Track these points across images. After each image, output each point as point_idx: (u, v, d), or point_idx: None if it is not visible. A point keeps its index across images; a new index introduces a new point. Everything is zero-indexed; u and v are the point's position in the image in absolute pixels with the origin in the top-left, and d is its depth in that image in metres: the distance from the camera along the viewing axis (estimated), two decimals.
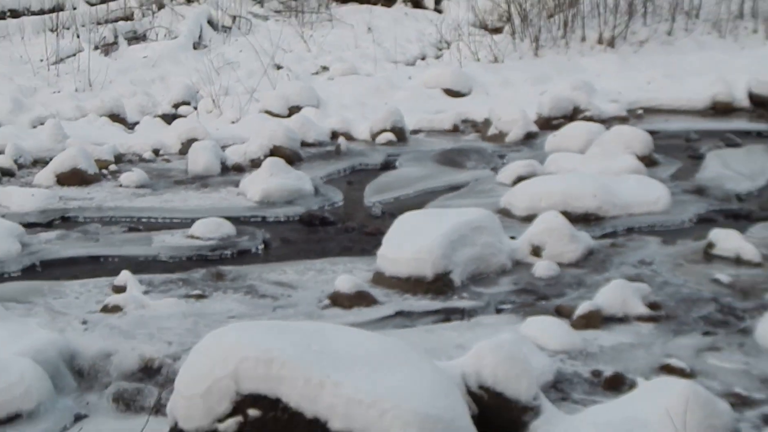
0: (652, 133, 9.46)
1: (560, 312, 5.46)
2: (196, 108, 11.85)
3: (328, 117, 10.93)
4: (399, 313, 5.58)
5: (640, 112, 11.39)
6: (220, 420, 3.63)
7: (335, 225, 7.59)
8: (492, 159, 9.53)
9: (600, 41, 14.16)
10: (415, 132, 10.76)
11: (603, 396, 4.44)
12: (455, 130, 10.93)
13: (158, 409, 4.31)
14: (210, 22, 15.91)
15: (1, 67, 12.97)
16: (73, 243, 7.07)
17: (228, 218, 7.34)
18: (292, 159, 9.18)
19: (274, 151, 9.21)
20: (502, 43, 14.31)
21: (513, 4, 14.54)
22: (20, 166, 9.22)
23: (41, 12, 15.80)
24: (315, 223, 7.64)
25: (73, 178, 8.68)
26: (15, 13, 15.69)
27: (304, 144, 9.90)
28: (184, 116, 11.39)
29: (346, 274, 5.93)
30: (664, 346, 5.03)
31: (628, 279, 5.76)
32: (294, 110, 11.16)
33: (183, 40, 14.79)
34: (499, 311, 5.63)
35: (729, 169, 8.74)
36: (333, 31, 16.25)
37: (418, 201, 8.01)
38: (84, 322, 5.37)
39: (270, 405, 3.56)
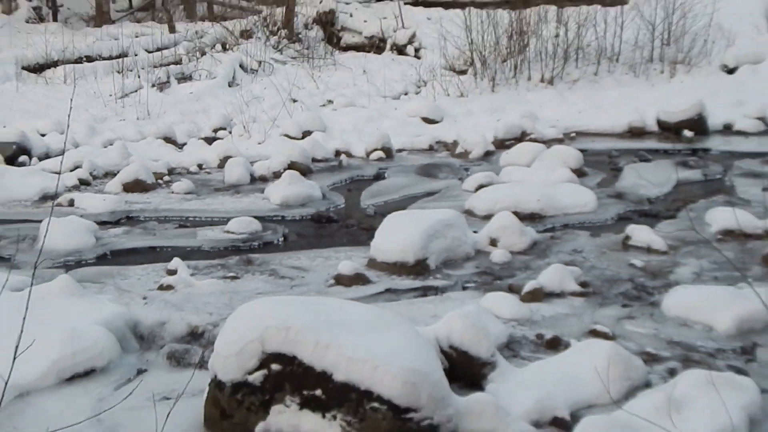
0: (582, 151, 9.46)
1: (512, 289, 5.47)
2: (230, 132, 11.78)
3: (333, 139, 10.90)
4: (387, 290, 5.59)
5: (573, 135, 11.37)
6: (250, 373, 3.62)
7: (338, 222, 7.58)
8: (459, 171, 9.53)
9: (542, 80, 14.13)
10: (400, 151, 10.73)
11: (545, 354, 4.46)
12: (431, 149, 10.90)
13: (202, 364, 4.32)
14: (241, 66, 15.84)
15: (79, 100, 12.89)
16: (136, 237, 7.07)
17: (256, 217, 7.33)
18: (305, 172, 9.17)
19: (291, 166, 9.18)
20: (466, 82, 14.28)
21: (475, 52, 14.50)
22: (94, 178, 9.20)
23: (110, 57, 15.82)
24: (323, 221, 7.63)
25: (135, 186, 8.66)
26: (90, 59, 15.66)
27: (314, 160, 9.87)
28: (222, 139, 11.33)
29: (347, 260, 5.92)
30: (592, 315, 5.05)
31: (564, 264, 5.77)
32: (306, 134, 11.12)
33: (220, 80, 14.72)
34: (464, 288, 5.64)
35: (642, 179, 8.74)
36: (336, 73, 16.18)
37: (403, 204, 7.99)
38: (144, 298, 5.37)
39: (288, 361, 3.56)
